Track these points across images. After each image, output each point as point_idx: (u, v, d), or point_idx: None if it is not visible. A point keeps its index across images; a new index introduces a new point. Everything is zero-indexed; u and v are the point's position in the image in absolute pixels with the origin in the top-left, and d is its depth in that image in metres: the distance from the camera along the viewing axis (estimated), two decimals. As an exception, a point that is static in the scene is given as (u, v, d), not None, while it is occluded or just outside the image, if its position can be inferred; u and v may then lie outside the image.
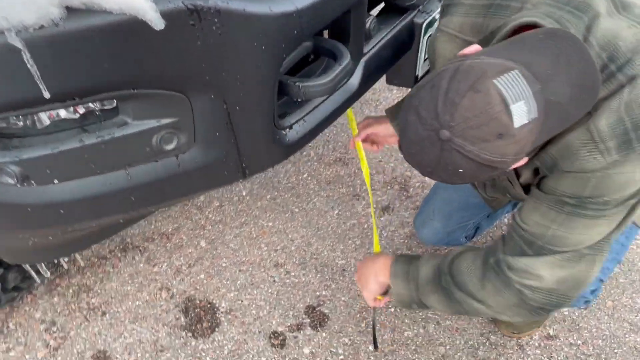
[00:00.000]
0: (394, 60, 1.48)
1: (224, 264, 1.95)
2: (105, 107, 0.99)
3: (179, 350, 1.73)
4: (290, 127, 1.22)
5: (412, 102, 0.88)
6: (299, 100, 1.20)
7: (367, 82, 1.41)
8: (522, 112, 0.81)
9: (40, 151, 0.97)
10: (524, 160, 0.92)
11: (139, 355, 1.72)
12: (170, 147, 1.06)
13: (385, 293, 1.43)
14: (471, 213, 1.75)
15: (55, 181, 1.02)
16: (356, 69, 1.34)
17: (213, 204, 2.13)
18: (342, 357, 1.70)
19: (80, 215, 1.10)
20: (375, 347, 1.67)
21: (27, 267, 1.57)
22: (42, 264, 1.59)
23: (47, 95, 0.81)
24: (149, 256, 1.97)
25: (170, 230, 2.05)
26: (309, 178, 2.21)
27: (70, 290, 1.88)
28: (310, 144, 2.31)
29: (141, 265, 1.95)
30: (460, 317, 1.77)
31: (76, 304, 1.85)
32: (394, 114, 1.54)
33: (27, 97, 0.82)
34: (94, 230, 1.27)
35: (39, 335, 1.77)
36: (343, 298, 1.84)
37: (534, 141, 0.86)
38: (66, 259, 1.91)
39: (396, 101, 2.44)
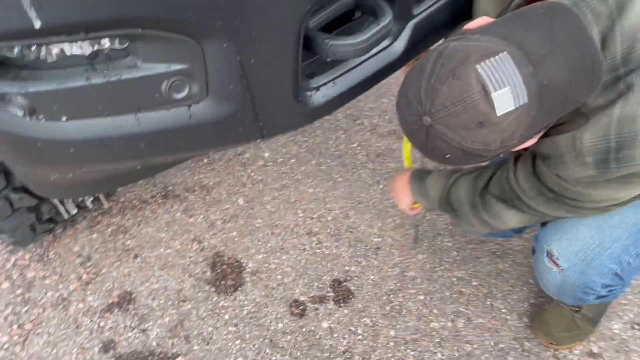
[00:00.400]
0: (451, 26, 1.32)
1: (257, 225, 1.91)
2: (115, 47, 0.95)
3: (200, 304, 1.73)
4: (317, 89, 1.13)
5: (404, 84, 0.88)
6: (328, 59, 1.10)
7: (416, 48, 1.27)
8: (506, 99, 0.78)
9: (47, 85, 0.95)
10: (533, 140, 0.89)
11: (161, 302, 1.74)
12: (181, 95, 1.01)
13: None
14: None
15: (64, 118, 1.00)
16: (402, 31, 1.21)
17: (257, 163, 2.09)
18: (360, 337, 1.62)
19: (90, 156, 1.08)
20: (416, 242, 1.79)
21: (57, 202, 1.61)
22: (70, 201, 1.62)
23: (37, 25, 0.77)
24: (187, 206, 1.98)
25: (211, 183, 2.04)
26: (359, 148, 2.11)
27: (109, 230, 1.94)
28: (366, 112, 2.20)
29: (178, 214, 1.96)
30: (494, 316, 1.63)
31: (112, 243, 1.90)
32: None
33: (17, 27, 0.79)
34: (113, 175, 1.26)
35: (74, 267, 1.84)
36: (372, 277, 1.75)
37: (530, 126, 0.81)
38: (108, 198, 1.96)
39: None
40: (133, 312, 1.73)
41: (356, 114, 2.21)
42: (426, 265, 1.77)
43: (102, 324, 1.71)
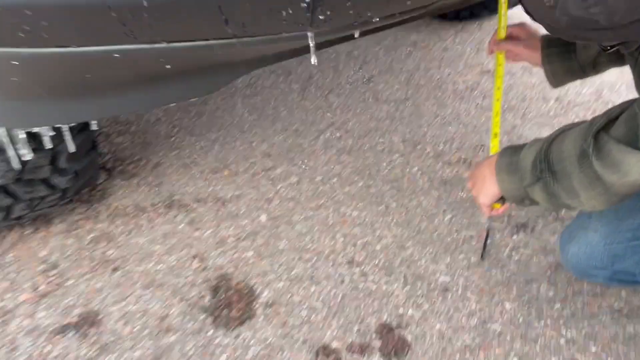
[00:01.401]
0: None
1: (281, 246, 1.44)
2: None
3: (189, 337, 1.21)
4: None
5: None
6: None
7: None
8: None
9: None
10: None
11: (136, 328, 1.24)
12: None
13: (504, 201, 1.20)
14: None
15: None
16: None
17: (290, 179, 1.66)
18: (419, 409, 1.06)
19: (52, 31, 0.69)
20: (482, 257, 1.38)
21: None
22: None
23: None
24: (194, 218, 1.53)
25: (229, 196, 1.60)
26: (420, 173, 1.67)
27: (91, 235, 1.48)
28: (428, 139, 1.79)
29: (181, 226, 1.51)
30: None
31: (89, 252, 1.44)
32: (550, 42, 1.29)
33: None
34: (95, 89, 0.85)
35: (32, 275, 1.37)
36: (439, 326, 1.22)
37: None
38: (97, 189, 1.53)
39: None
40: (94, 338, 1.22)
41: (416, 139, 1.80)
42: (518, 318, 1.23)
43: (47, 349, 1.20)
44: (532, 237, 1.43)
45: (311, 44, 0.75)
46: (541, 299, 1.27)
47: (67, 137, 1.04)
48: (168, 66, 0.82)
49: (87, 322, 1.26)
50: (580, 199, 1.00)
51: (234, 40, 0.75)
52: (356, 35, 0.83)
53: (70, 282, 1.36)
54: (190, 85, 0.93)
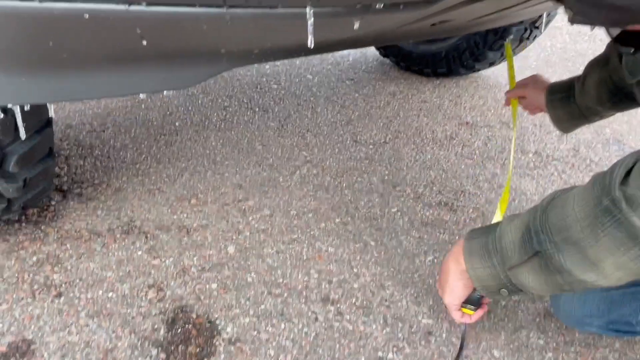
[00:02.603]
0: None
1: (250, 279, 1.30)
2: None
3: (137, 374, 1.05)
4: None
5: None
6: None
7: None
8: None
9: None
10: None
11: (74, 362, 1.06)
12: None
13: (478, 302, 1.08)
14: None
15: None
16: None
17: (262, 212, 1.55)
18: None
19: None
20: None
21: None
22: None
23: None
24: (154, 246, 1.39)
25: (195, 225, 1.47)
26: (399, 214, 1.58)
27: (35, 258, 1.32)
28: (408, 181, 1.72)
29: (139, 253, 1.36)
30: None
31: (31, 275, 1.27)
32: (553, 88, 1.34)
33: None
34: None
35: (-41, 296, 1.19)
36: (421, 372, 1.09)
37: None
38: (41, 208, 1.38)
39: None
40: (23, 371, 1.04)
41: (396, 180, 1.73)
42: (507, 366, 1.12)
43: (-37, 382, 1.01)
44: (518, 282, 1.35)
45: (309, 22, 0.68)
46: (531, 347, 1.16)
47: (19, 121, 0.92)
48: (144, 42, 0.73)
49: (18, 351, 1.08)
50: (601, 269, 0.82)
51: (223, 10, 0.67)
52: (356, 26, 0.76)
53: (4, 306, 1.18)
54: (166, 74, 0.84)
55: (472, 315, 1.10)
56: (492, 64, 2.41)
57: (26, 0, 0.64)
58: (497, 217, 1.27)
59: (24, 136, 0.99)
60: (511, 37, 2.17)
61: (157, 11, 0.66)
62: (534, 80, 1.44)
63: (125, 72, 0.80)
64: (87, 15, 0.66)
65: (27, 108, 0.89)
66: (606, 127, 2.12)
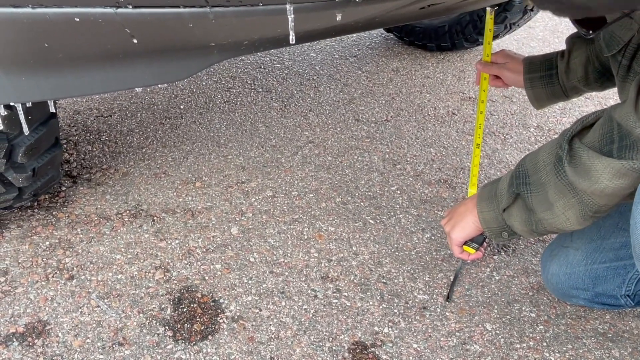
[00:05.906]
0: None
1: (252, 259, 1.35)
2: None
3: (146, 351, 1.11)
4: None
5: None
6: None
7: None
8: None
9: None
10: None
11: (87, 340, 1.13)
12: None
13: (481, 244, 1.19)
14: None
15: None
16: None
17: (264, 193, 1.59)
18: None
19: None
20: (448, 298, 1.26)
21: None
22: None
23: None
24: (160, 228, 1.44)
25: (199, 207, 1.52)
26: (399, 192, 1.62)
27: (48, 242, 1.38)
28: (408, 159, 1.75)
29: (146, 236, 1.42)
30: None
31: (45, 259, 1.33)
32: (532, 67, 1.31)
33: None
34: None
35: (-22, 280, 1.26)
36: (416, 345, 1.14)
37: None
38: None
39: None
40: (39, 349, 1.11)
41: (396, 158, 1.76)
42: (499, 339, 1.16)
43: (-15, 360, 1.08)
44: (513, 257, 1.38)
45: (290, 17, 0.70)
46: (523, 320, 1.21)
47: (22, 117, 0.97)
48: (135, 40, 0.77)
49: (35, 332, 1.15)
50: (554, 210, 0.96)
51: (206, 10, 0.70)
52: (338, 18, 0.79)
53: (20, 289, 1.25)
54: (159, 69, 0.87)
55: (471, 255, 1.20)
56: (495, 36, 2.39)
57: (20, 7, 0.67)
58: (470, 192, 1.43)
59: (27, 131, 1.03)
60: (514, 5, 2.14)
61: (144, 12, 0.69)
62: (508, 57, 1.36)
63: (119, 69, 0.84)
64: (77, 19, 0.69)
65: (29, 104, 0.94)
66: (610, 98, 2.12)
